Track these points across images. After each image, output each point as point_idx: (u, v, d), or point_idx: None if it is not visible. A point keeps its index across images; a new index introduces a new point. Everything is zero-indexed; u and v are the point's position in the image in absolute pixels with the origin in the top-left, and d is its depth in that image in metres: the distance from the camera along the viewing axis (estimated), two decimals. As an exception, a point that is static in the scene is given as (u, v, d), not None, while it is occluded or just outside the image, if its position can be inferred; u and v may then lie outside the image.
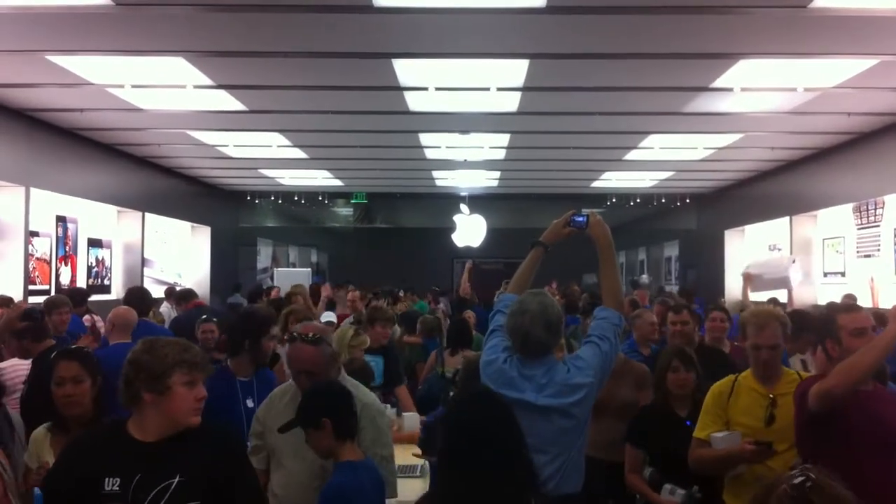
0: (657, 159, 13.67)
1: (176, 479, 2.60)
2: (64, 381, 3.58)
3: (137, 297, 7.34)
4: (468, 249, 19.22)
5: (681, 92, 9.11)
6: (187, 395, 2.68)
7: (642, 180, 16.63)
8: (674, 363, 4.23)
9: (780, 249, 14.71)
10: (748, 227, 16.50)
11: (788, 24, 6.74)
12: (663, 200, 18.65)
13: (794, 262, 9.85)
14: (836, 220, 12.85)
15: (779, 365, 3.86)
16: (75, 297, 8.05)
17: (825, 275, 13.27)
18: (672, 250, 22.18)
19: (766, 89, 8.94)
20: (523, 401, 3.30)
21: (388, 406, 5.79)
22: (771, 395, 3.76)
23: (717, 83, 8.57)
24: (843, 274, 12.59)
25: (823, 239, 13.41)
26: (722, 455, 3.72)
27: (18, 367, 5.16)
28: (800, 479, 1.95)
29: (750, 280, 9.18)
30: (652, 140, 12.08)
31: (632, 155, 13.29)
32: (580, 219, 3.67)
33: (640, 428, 4.30)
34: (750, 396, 3.80)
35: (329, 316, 8.74)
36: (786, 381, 3.80)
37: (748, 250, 16.40)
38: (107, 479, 2.61)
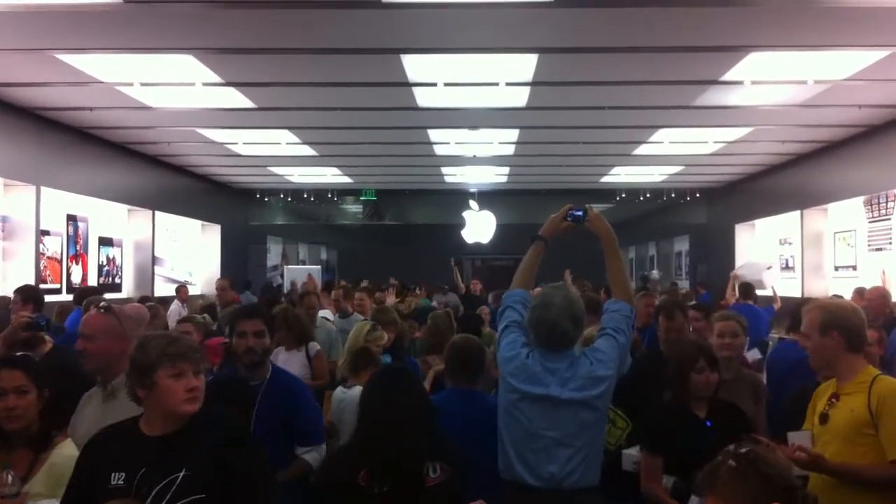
0: (667, 154, 13.64)
1: (181, 474, 2.61)
2: (6, 392, 3.18)
3: (31, 295, 7.43)
4: (478, 245, 19.22)
5: (691, 85, 9.08)
6: (174, 386, 2.68)
7: (652, 175, 16.60)
8: (699, 363, 3.89)
9: (790, 244, 14.70)
10: (759, 222, 16.44)
11: (799, 16, 6.71)
12: (673, 195, 18.61)
13: (768, 268, 12.58)
14: (847, 213, 12.78)
15: (823, 362, 3.52)
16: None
17: (836, 268, 13.21)
18: (682, 245, 22.14)
19: (777, 82, 8.90)
20: (548, 396, 3.31)
21: None
22: (834, 393, 3.45)
23: (727, 76, 8.54)
24: (854, 267, 12.53)
25: (834, 232, 13.35)
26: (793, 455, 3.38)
27: None
28: (744, 450, 2.16)
29: (736, 278, 11.32)
30: (662, 134, 12.05)
31: (641, 150, 13.26)
32: (578, 212, 3.66)
33: (658, 431, 3.87)
34: (826, 395, 3.51)
35: (325, 314, 8.59)
36: (858, 379, 3.41)
37: (759, 244, 16.36)
38: (113, 474, 2.63)
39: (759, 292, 12.06)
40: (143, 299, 10.69)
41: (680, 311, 5.17)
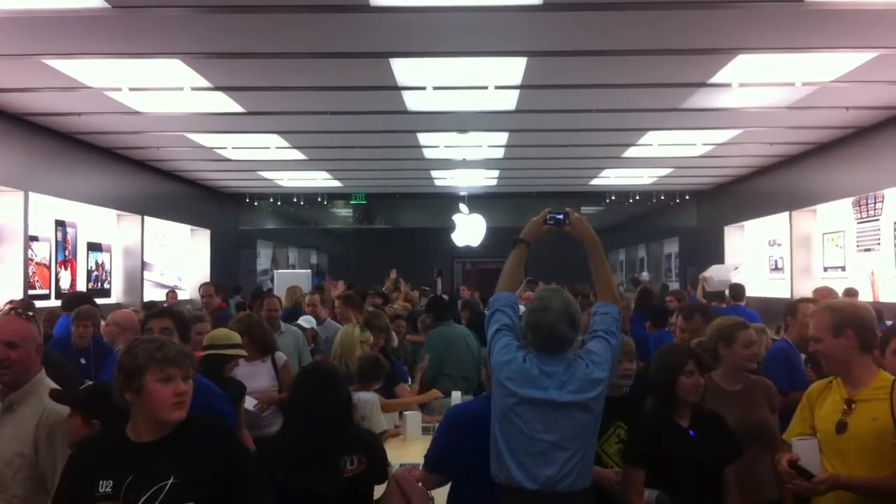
0: (656, 156, 13.67)
1: (170, 481, 2.59)
2: None
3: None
4: (468, 248, 19.21)
5: (679, 88, 9.11)
6: (162, 391, 2.66)
7: (641, 177, 16.63)
8: (689, 367, 3.72)
9: (779, 245, 14.76)
10: (748, 223, 16.49)
11: (786, 19, 6.73)
12: (663, 197, 18.65)
13: (735, 269, 12.80)
14: (835, 214, 12.84)
15: (839, 364, 3.36)
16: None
17: (826, 269, 13.26)
18: (672, 247, 22.17)
19: (765, 84, 8.93)
20: (548, 400, 3.30)
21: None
22: (848, 399, 3.29)
23: (716, 79, 8.57)
24: (843, 268, 12.58)
25: (823, 233, 13.41)
26: (783, 469, 3.29)
27: None
28: None
29: (705, 281, 11.59)
30: (651, 137, 12.07)
31: (631, 152, 13.28)
32: (558, 216, 3.65)
33: (639, 442, 3.72)
34: (833, 399, 3.36)
35: (309, 321, 8.44)
36: (874, 385, 3.28)
37: (748, 246, 16.41)
38: (101, 482, 2.61)
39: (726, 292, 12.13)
40: (146, 305, 10.67)
41: (699, 314, 4.99)
